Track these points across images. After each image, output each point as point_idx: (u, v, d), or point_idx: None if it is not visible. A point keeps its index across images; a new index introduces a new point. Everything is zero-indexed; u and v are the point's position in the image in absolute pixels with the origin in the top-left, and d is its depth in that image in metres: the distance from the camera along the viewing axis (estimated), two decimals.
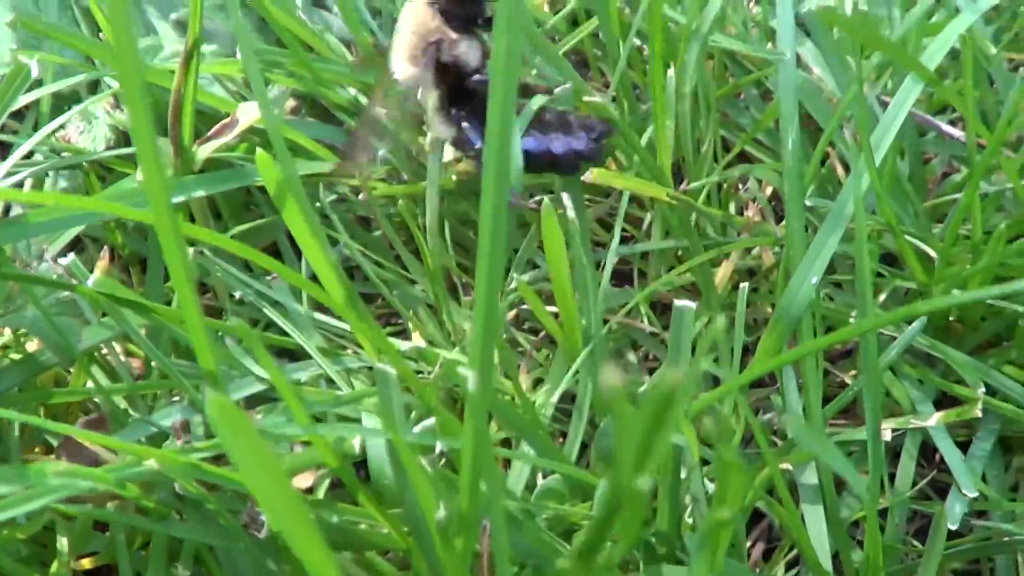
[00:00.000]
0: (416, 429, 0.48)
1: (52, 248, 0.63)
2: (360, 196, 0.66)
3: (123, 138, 0.73)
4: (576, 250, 0.54)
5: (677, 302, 0.53)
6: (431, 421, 0.49)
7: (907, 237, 0.62)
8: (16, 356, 0.62)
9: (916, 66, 0.57)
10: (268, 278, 0.66)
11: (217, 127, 0.64)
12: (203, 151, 0.63)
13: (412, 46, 0.66)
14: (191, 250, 0.64)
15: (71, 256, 0.59)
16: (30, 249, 0.60)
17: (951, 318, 0.62)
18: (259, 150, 0.51)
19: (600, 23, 0.71)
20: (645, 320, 0.65)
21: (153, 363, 0.62)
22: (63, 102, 0.76)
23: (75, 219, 0.59)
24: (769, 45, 0.75)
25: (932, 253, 0.62)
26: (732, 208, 0.70)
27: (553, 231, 0.51)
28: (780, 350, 0.59)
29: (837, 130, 0.64)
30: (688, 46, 0.62)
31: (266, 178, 0.52)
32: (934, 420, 0.55)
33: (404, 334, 0.69)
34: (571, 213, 0.54)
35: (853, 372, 0.65)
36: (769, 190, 0.73)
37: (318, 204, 0.69)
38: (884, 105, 0.71)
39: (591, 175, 0.59)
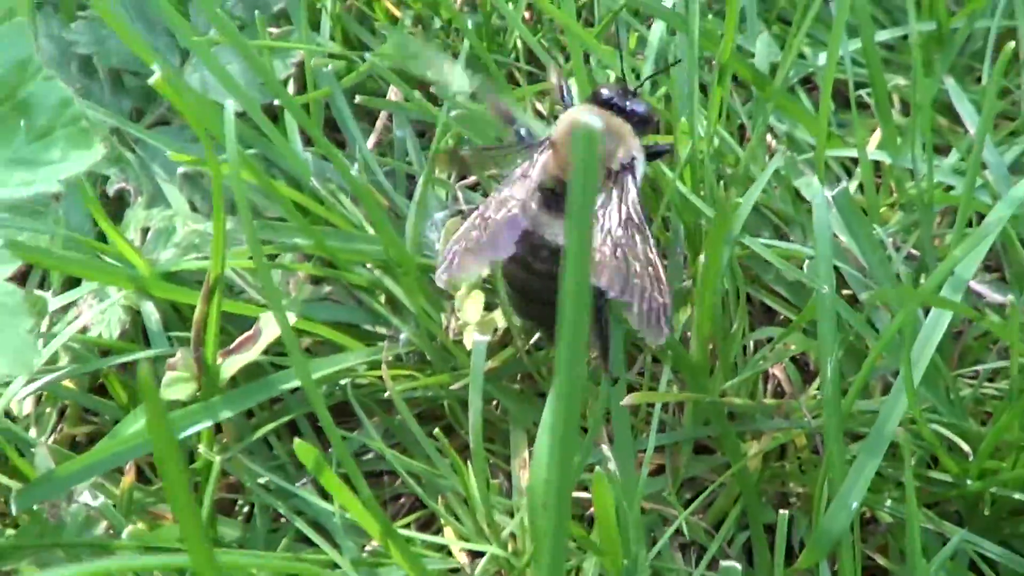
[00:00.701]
0: None
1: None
2: (386, 393, 0.65)
3: (136, 318, 0.71)
4: (623, 513, 0.54)
5: (724, 563, 0.53)
6: None
7: (941, 428, 0.62)
8: None
9: (959, 308, 0.56)
10: (300, 484, 0.65)
11: (241, 340, 0.63)
12: (228, 368, 0.62)
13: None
14: (217, 458, 0.63)
15: (100, 499, 0.58)
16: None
17: (985, 512, 0.62)
18: (297, 440, 0.50)
19: None
20: (676, 507, 0.65)
21: None
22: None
23: (103, 464, 0.58)
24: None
25: (965, 447, 0.62)
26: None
27: (605, 500, 0.51)
28: (818, 565, 0.60)
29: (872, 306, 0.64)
30: (723, 248, 0.61)
31: (305, 459, 0.51)
32: None
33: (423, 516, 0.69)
34: (618, 474, 0.54)
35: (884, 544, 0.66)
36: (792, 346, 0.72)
37: (338, 387, 0.68)
38: (911, 257, 0.71)
39: (631, 399, 0.58)
